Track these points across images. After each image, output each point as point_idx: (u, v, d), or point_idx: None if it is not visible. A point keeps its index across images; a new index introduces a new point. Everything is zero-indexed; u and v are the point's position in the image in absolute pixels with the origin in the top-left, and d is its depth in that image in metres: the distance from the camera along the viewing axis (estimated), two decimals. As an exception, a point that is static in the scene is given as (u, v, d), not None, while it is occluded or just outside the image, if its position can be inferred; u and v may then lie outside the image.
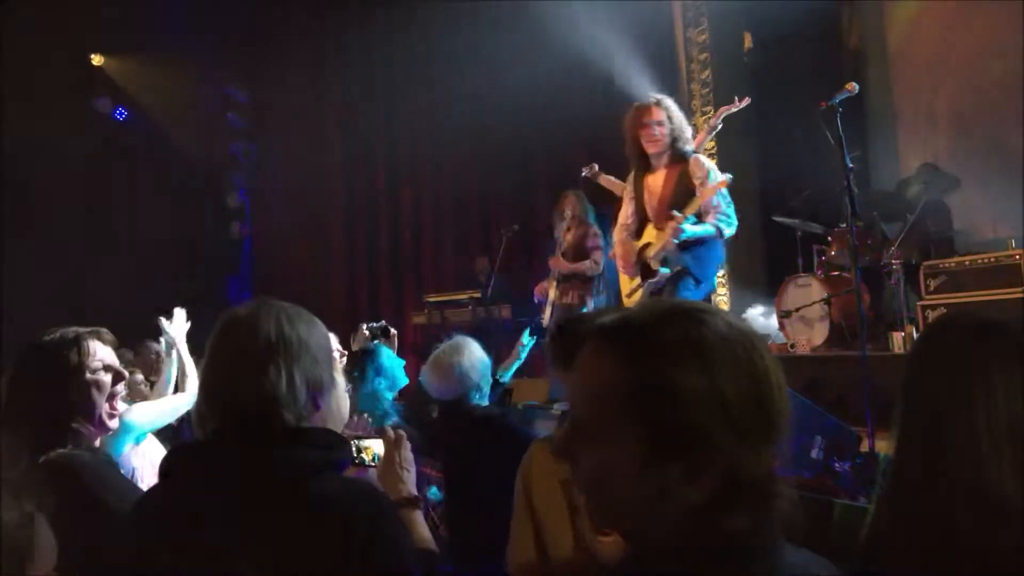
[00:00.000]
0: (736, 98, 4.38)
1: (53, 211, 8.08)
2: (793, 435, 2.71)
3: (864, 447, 2.85)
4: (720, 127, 4.48)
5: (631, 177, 3.81)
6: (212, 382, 1.24)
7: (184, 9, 8.57)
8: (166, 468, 1.23)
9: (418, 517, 1.60)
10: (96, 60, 8.63)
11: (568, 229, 5.42)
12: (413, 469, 1.65)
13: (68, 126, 8.24)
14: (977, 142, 5.64)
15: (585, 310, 5.47)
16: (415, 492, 1.63)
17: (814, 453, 2.60)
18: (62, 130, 8.17)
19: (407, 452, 1.66)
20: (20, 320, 6.56)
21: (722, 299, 7.09)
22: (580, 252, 5.37)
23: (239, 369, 1.21)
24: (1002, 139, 5.47)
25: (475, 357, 2.65)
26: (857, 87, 3.16)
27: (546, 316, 5.42)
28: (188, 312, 2.77)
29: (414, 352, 8.24)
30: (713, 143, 7.22)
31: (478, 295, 7.05)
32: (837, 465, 2.59)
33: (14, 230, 7.34)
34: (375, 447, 1.74)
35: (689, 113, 7.58)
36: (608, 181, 5.15)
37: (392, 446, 1.65)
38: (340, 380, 1.35)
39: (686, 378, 0.76)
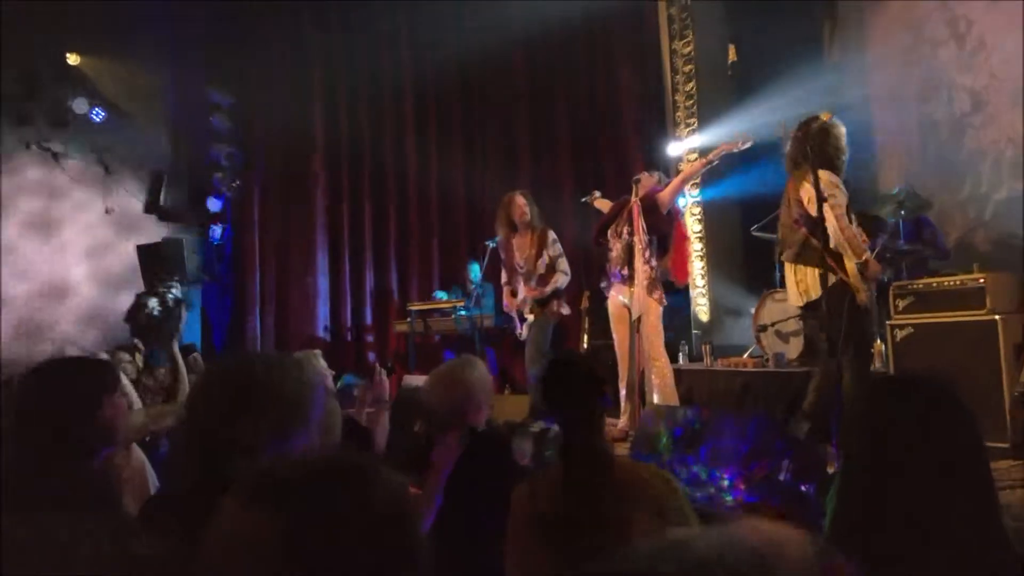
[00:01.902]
0: (740, 140, 4.41)
1: (27, 211, 8.02)
2: (763, 459, 2.78)
3: (831, 468, 2.94)
4: (716, 163, 4.51)
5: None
6: (187, 433, 1.28)
7: (165, 10, 8.52)
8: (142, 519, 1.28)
9: None
10: (72, 59, 8.41)
11: (520, 237, 5.24)
12: None
13: (43, 125, 8.13)
14: (950, 158, 5.77)
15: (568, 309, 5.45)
16: None
17: (782, 476, 2.68)
18: (36, 130, 8.06)
19: None
20: None
21: (701, 310, 7.19)
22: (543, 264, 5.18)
23: (209, 420, 1.25)
24: (975, 155, 5.61)
25: (485, 375, 2.55)
26: (831, 116, 3.25)
27: (523, 333, 5.41)
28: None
29: (397, 359, 8.28)
30: (695, 155, 7.32)
31: (462, 303, 7.11)
32: (804, 487, 2.67)
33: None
34: None
35: (673, 125, 7.68)
36: (603, 203, 5.10)
37: None
38: (310, 424, 1.35)
39: (350, 553, 0.71)
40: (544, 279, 5.16)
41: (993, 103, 5.36)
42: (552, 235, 5.27)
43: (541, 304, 5.20)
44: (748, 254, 6.83)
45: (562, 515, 1.66)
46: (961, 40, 5.63)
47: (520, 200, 5.24)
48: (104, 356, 2.83)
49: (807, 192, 3.58)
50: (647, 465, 1.95)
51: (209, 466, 1.22)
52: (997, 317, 3.48)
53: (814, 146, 3.43)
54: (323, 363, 3.02)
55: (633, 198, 4.32)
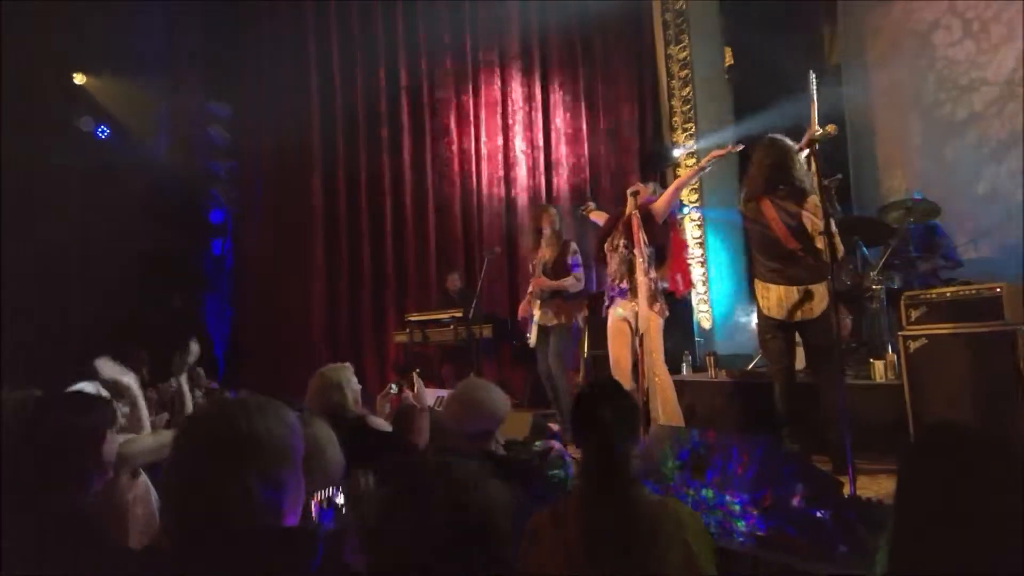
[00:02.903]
0: (730, 144, 4.41)
1: (33, 228, 7.96)
2: (775, 484, 2.64)
3: (845, 490, 2.82)
4: (709, 169, 4.45)
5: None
6: (170, 487, 1.24)
7: (165, 26, 8.51)
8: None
9: None
10: (78, 79, 8.63)
11: (546, 247, 5.41)
12: None
13: (50, 144, 8.19)
14: (953, 163, 5.66)
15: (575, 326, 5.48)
16: None
17: (795, 502, 2.55)
18: (44, 148, 8.11)
19: None
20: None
21: (704, 316, 7.07)
22: (559, 269, 5.35)
23: (194, 474, 1.21)
24: (979, 160, 5.50)
25: (499, 393, 2.51)
26: (836, 129, 3.16)
27: (532, 338, 5.37)
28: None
29: (394, 370, 8.18)
30: (693, 160, 7.22)
31: (460, 314, 6.99)
32: (818, 513, 2.54)
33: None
34: None
35: (669, 130, 7.57)
36: (598, 215, 5.12)
37: None
38: (300, 474, 1.32)
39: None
40: (555, 278, 5.30)
41: (1010, 105, 5.25)
42: (573, 247, 5.44)
43: (553, 299, 5.24)
44: (751, 262, 6.71)
45: (591, 552, 1.64)
46: (976, 39, 5.51)
47: (552, 211, 5.49)
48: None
49: (812, 210, 3.63)
50: (673, 502, 1.85)
51: (197, 520, 1.19)
52: (1015, 328, 3.35)
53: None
54: (354, 377, 3.02)
55: (631, 210, 4.21)
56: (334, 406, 2.78)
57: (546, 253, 5.40)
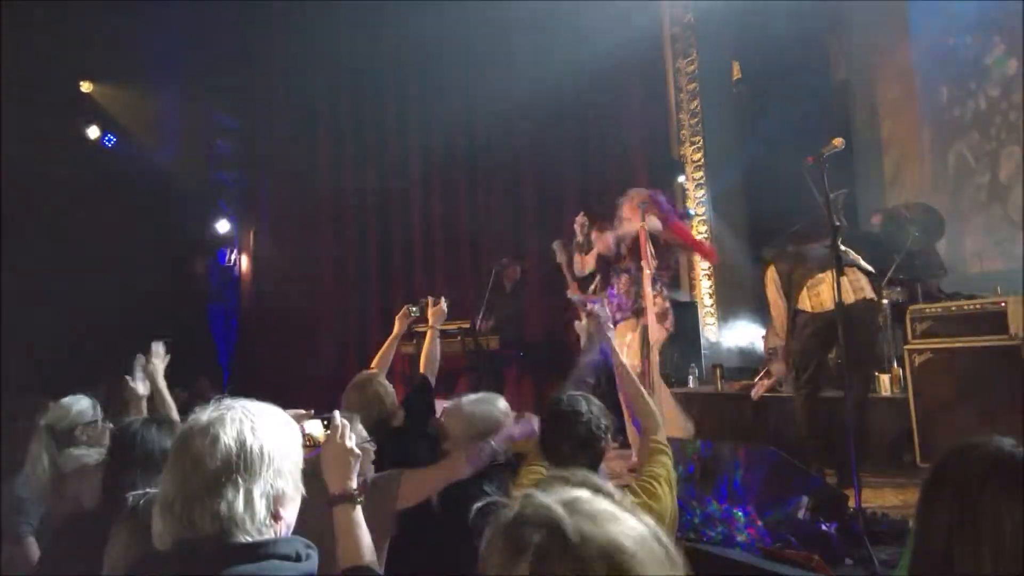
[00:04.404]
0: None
1: (39, 237, 8.03)
2: (781, 496, 2.66)
3: (851, 503, 2.83)
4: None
5: None
6: (169, 497, 1.19)
7: (174, 36, 8.58)
8: None
9: (358, 516, 1.53)
10: (85, 87, 8.66)
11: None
12: (358, 462, 1.60)
13: (56, 153, 8.24)
14: (960, 176, 5.67)
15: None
16: (356, 486, 1.57)
17: (801, 514, 2.57)
18: (50, 156, 8.17)
19: (351, 443, 1.61)
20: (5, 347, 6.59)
21: (710, 328, 7.09)
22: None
23: (195, 487, 1.17)
24: (985, 173, 5.51)
25: (505, 409, 2.52)
26: (843, 143, 3.17)
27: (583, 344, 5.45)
28: (169, 345, 2.79)
29: (402, 382, 8.19)
30: (700, 173, 7.26)
31: (467, 326, 7.01)
32: (824, 526, 2.56)
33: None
34: (314, 430, 1.70)
35: (677, 142, 7.61)
36: (604, 244, 4.78)
37: (338, 434, 1.60)
38: (300, 486, 1.29)
39: None
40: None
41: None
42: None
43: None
44: (757, 276, 6.72)
45: None
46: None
47: (607, 236, 5.41)
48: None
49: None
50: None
51: (194, 529, 1.17)
52: (1021, 342, 3.36)
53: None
54: (389, 384, 3.03)
55: (640, 224, 4.21)
56: (376, 415, 2.80)
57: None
